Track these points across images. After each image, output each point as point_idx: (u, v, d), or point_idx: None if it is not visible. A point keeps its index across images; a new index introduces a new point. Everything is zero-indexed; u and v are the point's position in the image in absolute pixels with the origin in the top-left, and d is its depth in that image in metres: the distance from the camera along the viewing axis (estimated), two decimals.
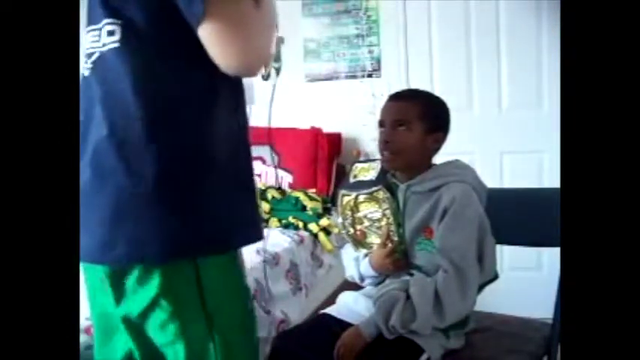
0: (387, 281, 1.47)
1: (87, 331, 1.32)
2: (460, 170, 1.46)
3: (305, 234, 2.32)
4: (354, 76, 2.91)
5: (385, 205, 1.47)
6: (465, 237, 1.37)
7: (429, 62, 2.78)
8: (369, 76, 2.88)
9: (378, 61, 2.86)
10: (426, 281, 1.37)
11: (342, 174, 2.87)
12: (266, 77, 2.97)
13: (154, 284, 0.94)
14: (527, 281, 2.54)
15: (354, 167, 1.58)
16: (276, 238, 2.19)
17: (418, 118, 1.43)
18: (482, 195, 1.43)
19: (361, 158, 1.55)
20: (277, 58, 3.35)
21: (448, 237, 1.37)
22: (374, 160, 1.56)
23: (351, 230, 1.54)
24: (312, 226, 2.37)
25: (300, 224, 2.36)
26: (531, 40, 2.63)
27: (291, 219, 2.38)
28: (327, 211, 2.54)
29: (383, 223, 1.48)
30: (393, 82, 2.82)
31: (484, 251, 1.39)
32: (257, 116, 3.29)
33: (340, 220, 1.56)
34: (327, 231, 2.41)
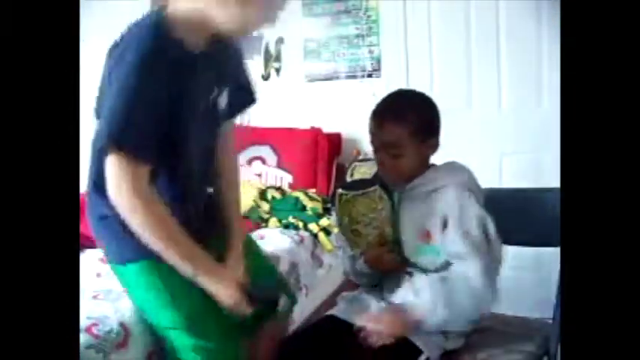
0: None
1: (87, 330, 1.32)
2: (457, 172, 1.45)
3: (305, 234, 2.32)
4: (354, 76, 2.90)
5: (381, 205, 1.47)
6: (474, 237, 1.35)
7: (429, 62, 2.77)
8: (369, 76, 2.87)
9: (378, 61, 2.86)
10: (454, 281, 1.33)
11: (342, 174, 2.87)
12: (266, 77, 3.03)
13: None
14: (527, 281, 2.54)
15: (352, 166, 1.58)
16: (276, 239, 2.18)
17: (408, 137, 1.38)
18: (479, 197, 1.43)
19: (360, 157, 1.55)
20: (277, 58, 3.39)
21: (459, 244, 1.34)
22: (372, 160, 1.55)
23: (348, 229, 1.55)
24: (312, 226, 2.37)
25: (300, 224, 2.36)
26: (531, 40, 2.62)
27: (291, 219, 2.38)
28: (327, 211, 2.54)
29: (378, 223, 1.48)
30: (393, 82, 2.81)
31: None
32: (257, 116, 3.30)
33: (337, 218, 1.57)
34: (327, 231, 2.40)
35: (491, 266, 1.34)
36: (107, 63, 1.17)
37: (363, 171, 1.55)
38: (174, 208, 1.23)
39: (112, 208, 1.19)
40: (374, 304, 1.48)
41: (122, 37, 1.18)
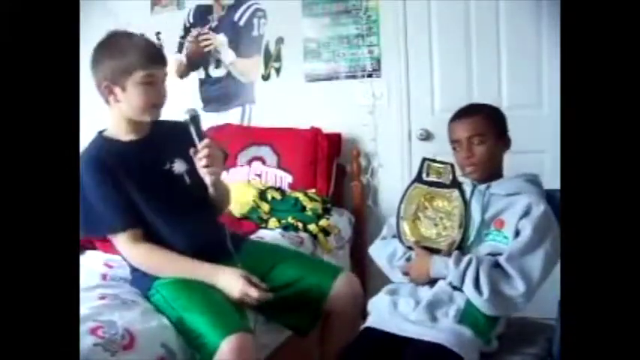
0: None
1: (93, 332, 1.33)
2: (534, 183, 1.60)
3: (305, 236, 2.31)
4: (354, 76, 2.90)
5: (456, 210, 1.59)
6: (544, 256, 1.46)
7: (429, 62, 2.77)
8: (369, 76, 2.87)
9: (378, 61, 2.86)
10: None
11: (342, 174, 2.87)
12: (266, 77, 3.07)
13: None
14: None
15: (425, 164, 1.70)
16: (276, 241, 2.17)
17: (488, 129, 1.59)
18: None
19: (432, 157, 1.66)
20: (277, 58, 3.41)
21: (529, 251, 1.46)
22: (446, 164, 1.68)
23: (409, 217, 1.63)
24: (312, 227, 2.36)
25: (300, 225, 2.35)
26: (531, 40, 2.63)
27: (290, 220, 2.38)
28: (326, 212, 2.53)
29: (444, 224, 1.59)
30: (393, 82, 2.82)
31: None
32: (257, 116, 3.29)
33: (401, 207, 1.65)
34: (326, 232, 2.40)
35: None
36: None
37: (437, 168, 1.69)
38: (180, 249, 1.60)
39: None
40: (409, 305, 1.50)
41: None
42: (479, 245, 1.54)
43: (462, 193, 1.61)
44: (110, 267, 1.88)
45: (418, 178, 1.68)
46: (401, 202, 1.67)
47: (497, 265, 1.46)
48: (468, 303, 1.44)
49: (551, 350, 1.50)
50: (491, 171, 1.61)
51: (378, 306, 1.57)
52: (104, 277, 1.80)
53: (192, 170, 1.64)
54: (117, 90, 1.55)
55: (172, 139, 1.65)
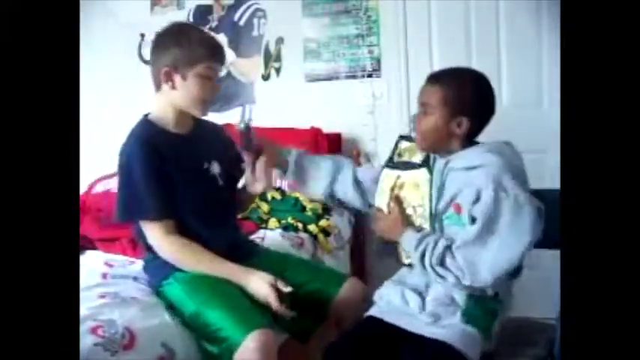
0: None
1: (93, 331, 1.32)
2: (495, 155, 1.42)
3: (305, 236, 2.30)
4: (354, 76, 2.90)
5: (424, 189, 1.49)
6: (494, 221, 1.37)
7: (429, 62, 2.77)
8: (369, 76, 2.87)
9: (378, 61, 2.86)
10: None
11: None
12: (266, 77, 3.08)
13: None
14: (526, 281, 2.53)
15: (399, 144, 1.61)
16: (276, 241, 2.17)
17: (439, 103, 1.44)
18: (516, 181, 1.40)
19: (403, 134, 1.58)
20: (277, 58, 3.41)
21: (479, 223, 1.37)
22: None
23: (385, 201, 1.57)
24: (312, 227, 2.36)
25: (300, 225, 2.35)
26: (531, 39, 2.63)
27: (290, 220, 2.38)
28: (326, 212, 2.53)
29: (416, 202, 1.49)
30: (393, 82, 2.82)
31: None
32: (257, 116, 3.29)
33: (377, 196, 1.61)
34: (326, 232, 2.40)
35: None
36: (119, 160, 1.57)
37: (410, 147, 1.59)
38: (207, 246, 1.59)
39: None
40: (416, 300, 1.49)
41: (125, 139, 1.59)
42: (441, 230, 1.46)
43: (431, 172, 1.50)
44: (110, 266, 1.88)
45: (389, 162, 1.61)
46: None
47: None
48: (468, 301, 1.44)
49: (552, 350, 1.50)
50: (436, 146, 1.48)
51: (388, 298, 1.55)
52: (104, 276, 1.80)
53: (224, 173, 1.69)
54: (177, 77, 1.56)
55: (212, 140, 1.71)
